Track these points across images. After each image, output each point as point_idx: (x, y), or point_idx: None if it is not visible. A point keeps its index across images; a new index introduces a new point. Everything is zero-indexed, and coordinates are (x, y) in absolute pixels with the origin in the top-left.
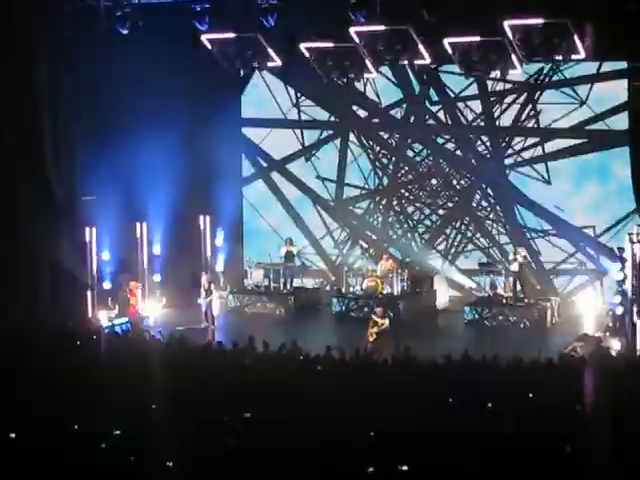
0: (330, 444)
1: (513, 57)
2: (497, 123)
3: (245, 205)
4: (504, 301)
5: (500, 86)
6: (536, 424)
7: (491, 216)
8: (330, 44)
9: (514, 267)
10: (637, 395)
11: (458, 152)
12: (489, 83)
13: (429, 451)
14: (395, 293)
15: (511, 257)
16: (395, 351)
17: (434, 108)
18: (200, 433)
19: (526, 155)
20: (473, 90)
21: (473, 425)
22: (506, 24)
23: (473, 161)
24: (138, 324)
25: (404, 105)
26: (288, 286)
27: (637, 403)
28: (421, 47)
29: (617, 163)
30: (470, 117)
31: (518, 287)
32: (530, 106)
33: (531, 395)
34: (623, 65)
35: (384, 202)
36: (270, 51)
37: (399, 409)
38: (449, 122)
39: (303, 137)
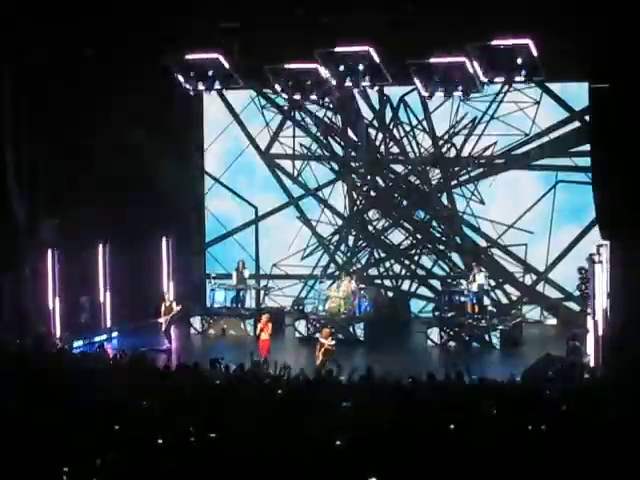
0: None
1: (475, 79)
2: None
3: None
4: (467, 322)
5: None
6: (498, 444)
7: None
8: (293, 65)
9: (474, 288)
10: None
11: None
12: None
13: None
14: (357, 314)
15: (470, 278)
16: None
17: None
18: (162, 454)
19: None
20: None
21: (437, 443)
22: (468, 45)
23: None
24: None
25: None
26: (249, 307)
27: (595, 420)
28: (383, 69)
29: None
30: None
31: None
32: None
33: (495, 411)
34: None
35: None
36: (233, 73)
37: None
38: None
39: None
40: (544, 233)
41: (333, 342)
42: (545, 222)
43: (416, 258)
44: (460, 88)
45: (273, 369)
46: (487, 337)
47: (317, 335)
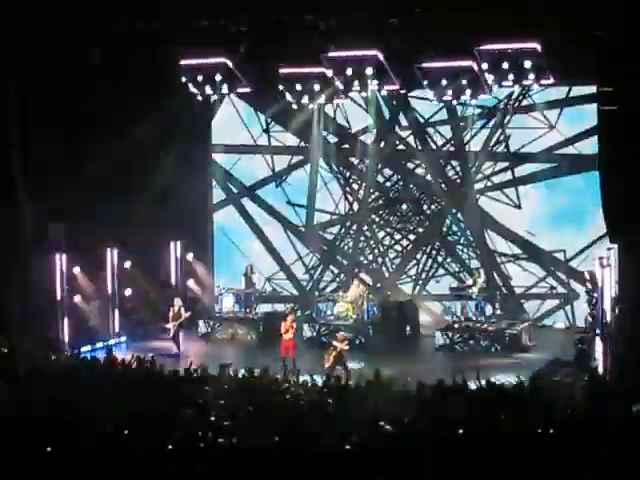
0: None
1: (483, 82)
2: (467, 148)
3: (217, 229)
4: (475, 326)
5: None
6: (507, 448)
7: (461, 240)
8: (300, 70)
9: (475, 291)
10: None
11: (428, 177)
12: (459, 108)
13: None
14: (366, 318)
15: (470, 282)
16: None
17: (404, 133)
18: (171, 459)
19: (496, 179)
20: (443, 115)
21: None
22: (476, 50)
23: (443, 186)
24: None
25: (374, 130)
26: (257, 312)
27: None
28: (391, 73)
29: (587, 187)
30: (440, 142)
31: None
32: (500, 131)
33: (503, 417)
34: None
35: (354, 227)
36: (240, 77)
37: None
38: (419, 147)
39: (273, 163)
40: (547, 236)
41: (347, 347)
42: (548, 226)
43: (424, 261)
44: (468, 92)
45: (282, 373)
46: (495, 341)
47: (328, 339)
